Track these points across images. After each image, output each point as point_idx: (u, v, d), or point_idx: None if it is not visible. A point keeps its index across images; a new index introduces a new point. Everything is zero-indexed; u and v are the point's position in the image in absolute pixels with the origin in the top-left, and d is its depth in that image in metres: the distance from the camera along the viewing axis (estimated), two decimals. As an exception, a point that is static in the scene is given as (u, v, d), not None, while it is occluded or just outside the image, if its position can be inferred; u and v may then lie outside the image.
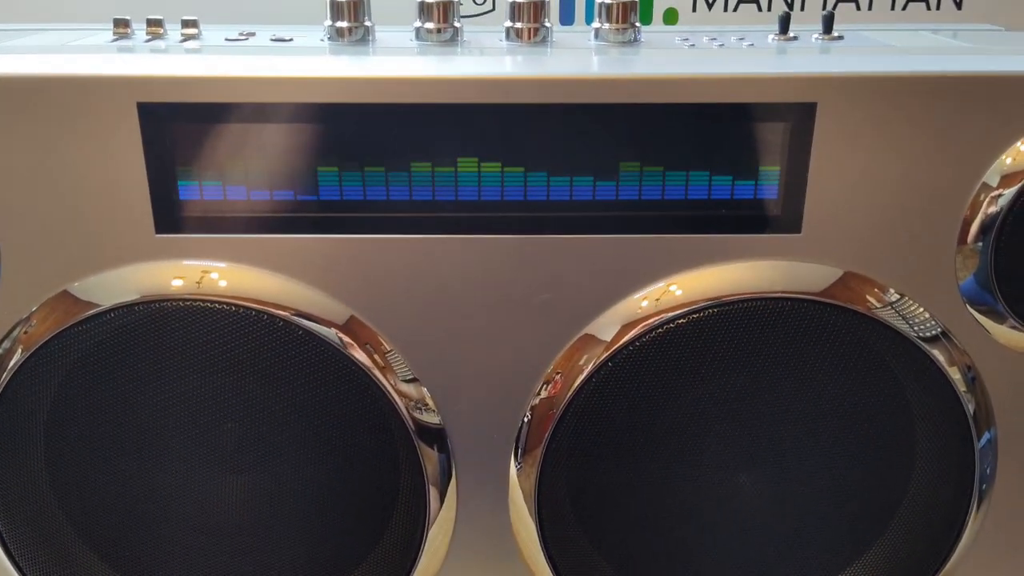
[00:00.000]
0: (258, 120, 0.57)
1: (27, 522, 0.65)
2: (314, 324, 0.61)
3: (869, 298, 0.61)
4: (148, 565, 0.67)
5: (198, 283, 0.61)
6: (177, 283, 0.60)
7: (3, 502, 0.65)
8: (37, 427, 0.63)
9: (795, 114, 0.57)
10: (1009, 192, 0.58)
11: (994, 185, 0.59)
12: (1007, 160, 0.58)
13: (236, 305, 0.60)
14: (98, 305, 0.60)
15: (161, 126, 0.57)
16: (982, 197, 0.59)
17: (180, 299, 0.60)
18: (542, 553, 0.66)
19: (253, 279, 0.61)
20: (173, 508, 0.66)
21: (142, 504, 0.65)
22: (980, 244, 0.60)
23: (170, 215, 0.59)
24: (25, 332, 0.61)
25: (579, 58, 0.64)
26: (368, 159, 0.58)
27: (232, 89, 0.57)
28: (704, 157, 0.58)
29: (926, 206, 0.59)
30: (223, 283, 0.61)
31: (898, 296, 0.61)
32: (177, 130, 0.57)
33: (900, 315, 0.61)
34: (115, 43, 0.68)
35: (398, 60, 0.63)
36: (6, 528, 0.65)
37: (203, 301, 0.60)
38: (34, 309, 0.61)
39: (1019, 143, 0.58)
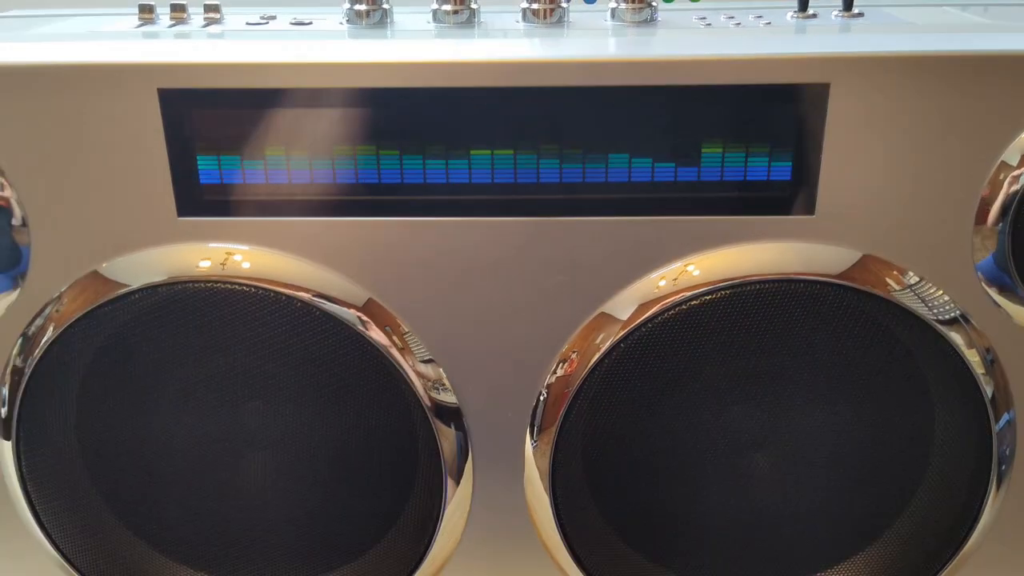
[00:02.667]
0: (276, 105, 0.58)
1: (58, 494, 0.67)
2: (334, 306, 0.62)
3: (888, 281, 0.61)
4: (174, 538, 0.69)
5: (223, 265, 0.62)
6: (204, 264, 0.62)
7: (36, 475, 0.67)
8: (69, 402, 0.65)
9: (808, 95, 0.57)
10: (1029, 171, 0.58)
11: (1014, 164, 0.58)
12: (1027, 139, 0.58)
13: (259, 287, 0.61)
14: (127, 285, 0.62)
15: (181, 112, 0.58)
16: (1001, 176, 0.58)
17: (206, 280, 0.62)
18: (557, 531, 0.67)
19: (274, 261, 0.62)
20: (198, 483, 0.67)
21: (169, 479, 0.67)
22: (1000, 225, 0.59)
23: (191, 199, 0.60)
24: (56, 310, 0.63)
25: (595, 39, 0.64)
26: (384, 143, 0.59)
27: (249, 75, 0.58)
28: (717, 139, 0.58)
29: (943, 186, 0.59)
30: (246, 265, 0.62)
31: (917, 279, 0.61)
32: (197, 115, 0.59)
33: (919, 298, 0.61)
34: (140, 28, 0.69)
35: (416, 43, 0.63)
36: (39, 500, 0.67)
37: (228, 282, 0.62)
38: (64, 289, 0.63)
39: (1039, 122, 0.57)
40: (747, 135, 0.58)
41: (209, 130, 0.59)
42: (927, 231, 0.60)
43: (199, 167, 0.60)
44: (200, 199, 0.61)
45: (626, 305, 0.62)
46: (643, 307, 0.62)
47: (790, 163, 0.59)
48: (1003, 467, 0.65)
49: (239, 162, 0.60)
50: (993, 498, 0.65)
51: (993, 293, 0.61)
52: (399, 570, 0.69)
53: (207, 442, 0.66)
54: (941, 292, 0.61)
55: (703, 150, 0.59)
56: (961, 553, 0.67)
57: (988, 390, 0.62)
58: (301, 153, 0.60)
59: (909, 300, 0.61)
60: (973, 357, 0.62)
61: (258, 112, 0.59)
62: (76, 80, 0.58)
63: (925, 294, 0.61)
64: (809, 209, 0.59)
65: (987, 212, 0.59)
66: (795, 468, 0.66)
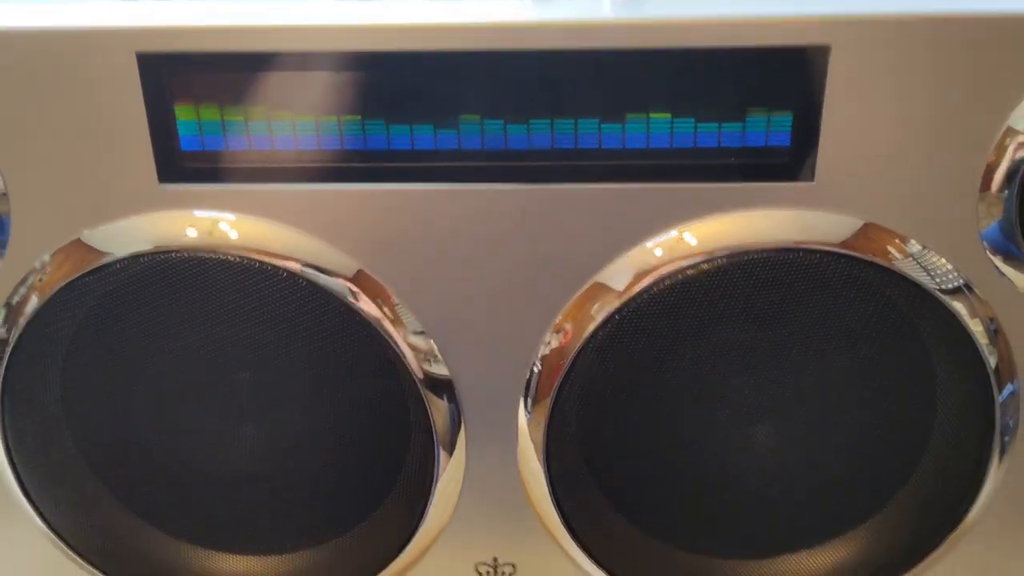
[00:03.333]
0: (259, 70, 0.57)
1: (45, 466, 0.67)
2: (324, 277, 0.61)
3: (890, 249, 0.59)
4: (164, 509, 0.69)
5: (210, 234, 0.60)
6: (191, 233, 0.60)
7: (21, 447, 0.66)
8: (54, 372, 0.64)
9: (807, 57, 0.55)
10: (1037, 137, 0.56)
11: (1021, 129, 0.56)
12: (1035, 103, 0.56)
13: (246, 257, 0.60)
14: (111, 254, 0.61)
15: (161, 76, 0.56)
16: (1007, 142, 0.57)
17: (193, 249, 0.60)
18: (552, 503, 0.66)
19: (262, 231, 0.61)
20: (187, 455, 0.67)
21: (157, 450, 0.67)
22: (1006, 191, 0.58)
23: (173, 166, 0.59)
24: (40, 279, 0.62)
25: (588, 1, 0.62)
26: (370, 108, 0.57)
27: (232, 38, 0.56)
28: (713, 103, 0.56)
29: (947, 152, 0.57)
30: (234, 234, 0.61)
31: (920, 247, 0.59)
32: (177, 80, 0.57)
33: (921, 266, 0.59)
34: (121, -11, 0.67)
35: (404, 5, 0.61)
36: (25, 472, 0.67)
37: (215, 252, 0.60)
38: (47, 257, 0.62)
39: (1048, 85, 0.55)
40: (745, 99, 0.56)
41: (190, 96, 0.57)
42: (931, 198, 0.58)
43: (180, 133, 0.58)
44: (182, 166, 0.59)
45: (621, 274, 0.61)
46: (639, 276, 0.61)
47: (789, 128, 0.57)
48: (1006, 438, 0.64)
49: (221, 128, 0.58)
50: (996, 470, 0.65)
51: (998, 262, 0.60)
52: (392, 542, 0.68)
53: (195, 414, 0.66)
54: (944, 261, 0.60)
55: (699, 114, 0.57)
56: (963, 524, 0.67)
57: (991, 360, 0.61)
58: (286, 119, 0.58)
59: (911, 269, 0.59)
60: (976, 327, 0.61)
61: (241, 77, 0.57)
62: (51, 45, 0.56)
63: (928, 263, 0.60)
64: (809, 176, 0.58)
65: (992, 178, 0.58)
66: (795, 440, 0.65)
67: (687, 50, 0.55)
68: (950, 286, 0.60)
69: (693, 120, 0.57)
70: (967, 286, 0.60)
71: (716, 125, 0.57)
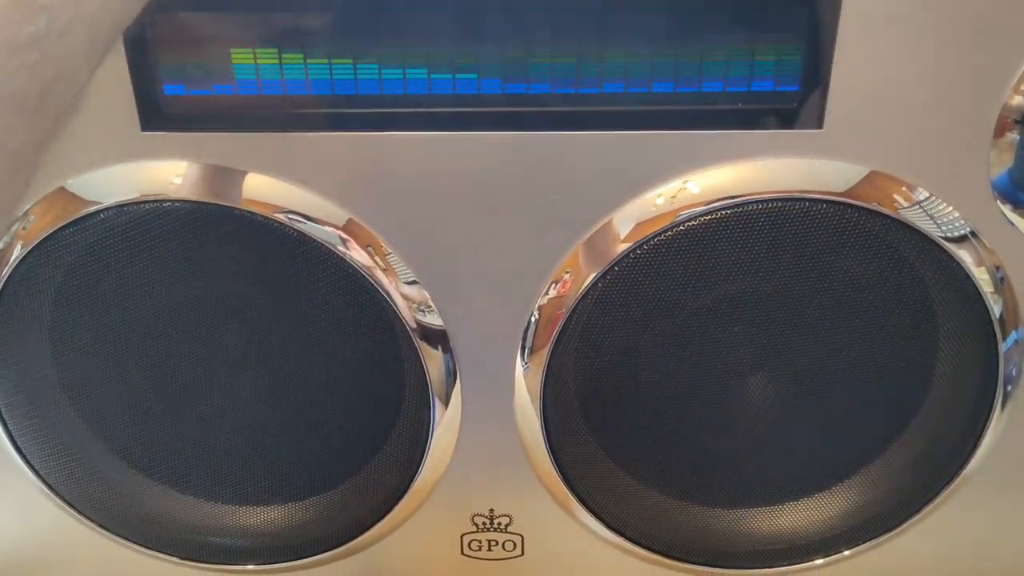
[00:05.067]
0: (245, 7, 0.54)
1: (33, 414, 0.66)
2: (313, 225, 0.59)
3: (896, 197, 0.58)
4: (159, 460, 0.68)
5: (196, 183, 0.59)
6: (177, 182, 0.59)
7: (8, 396, 0.65)
8: (40, 322, 0.63)
9: (819, -3, 0.53)
10: (1054, 82, 0.54)
11: (1039, 73, 0.55)
12: (1053, 47, 0.54)
13: (235, 206, 0.59)
14: (95, 203, 0.59)
15: (141, 16, 0.54)
16: (1024, 86, 0.55)
17: (179, 198, 0.59)
18: (547, 453, 0.66)
19: (250, 179, 0.59)
20: (180, 404, 0.66)
21: (150, 400, 0.66)
22: (1018, 137, 0.56)
23: (155, 112, 0.57)
24: (23, 228, 0.61)
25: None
26: (359, 49, 0.55)
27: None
28: (719, 46, 0.54)
29: (961, 97, 0.55)
30: (221, 183, 0.59)
31: (926, 195, 0.58)
32: (158, 21, 0.54)
33: (928, 215, 0.58)
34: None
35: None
36: (12, 421, 0.66)
37: (203, 201, 0.59)
38: (30, 205, 0.60)
39: (1067, 29, 0.53)
40: (752, 42, 0.54)
41: (172, 36, 0.55)
42: (942, 145, 0.57)
43: (162, 77, 0.56)
44: (164, 112, 0.57)
45: (622, 224, 0.60)
46: (640, 226, 0.59)
47: (799, 72, 0.55)
48: (1009, 387, 0.63)
49: (205, 71, 0.56)
50: (998, 419, 0.64)
51: (1007, 210, 0.59)
52: (388, 494, 0.68)
53: (185, 365, 0.65)
54: (951, 208, 0.58)
55: (705, 58, 0.55)
56: (963, 474, 0.66)
57: (996, 309, 0.61)
58: (273, 62, 0.56)
59: (917, 217, 0.58)
60: (981, 275, 0.60)
61: (226, 16, 0.55)
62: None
63: (934, 211, 0.58)
64: (817, 123, 0.56)
65: (1007, 124, 0.56)
66: (794, 390, 0.65)
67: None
68: (956, 234, 0.59)
69: (699, 63, 0.55)
70: (973, 234, 0.59)
71: (722, 69, 0.55)
